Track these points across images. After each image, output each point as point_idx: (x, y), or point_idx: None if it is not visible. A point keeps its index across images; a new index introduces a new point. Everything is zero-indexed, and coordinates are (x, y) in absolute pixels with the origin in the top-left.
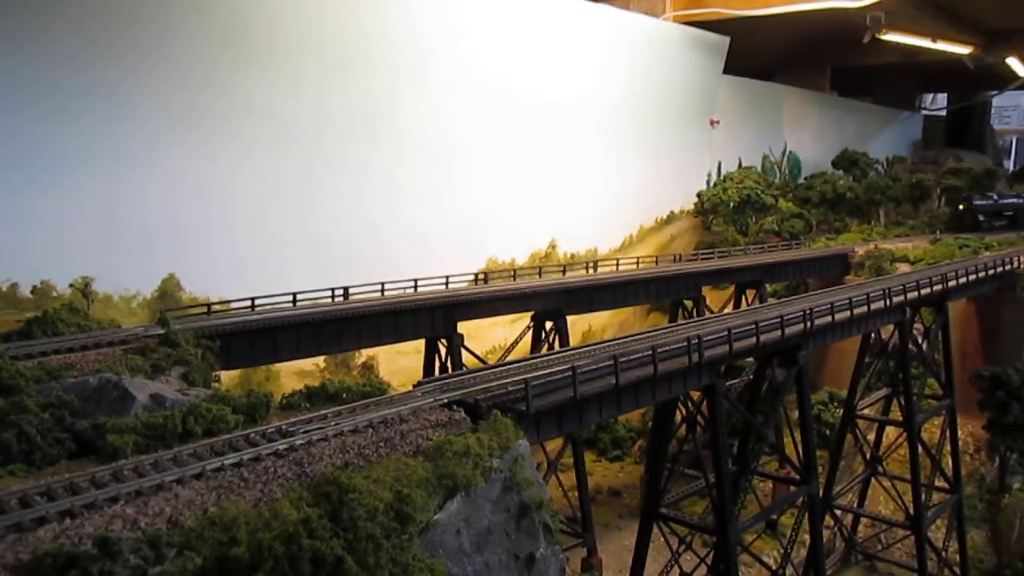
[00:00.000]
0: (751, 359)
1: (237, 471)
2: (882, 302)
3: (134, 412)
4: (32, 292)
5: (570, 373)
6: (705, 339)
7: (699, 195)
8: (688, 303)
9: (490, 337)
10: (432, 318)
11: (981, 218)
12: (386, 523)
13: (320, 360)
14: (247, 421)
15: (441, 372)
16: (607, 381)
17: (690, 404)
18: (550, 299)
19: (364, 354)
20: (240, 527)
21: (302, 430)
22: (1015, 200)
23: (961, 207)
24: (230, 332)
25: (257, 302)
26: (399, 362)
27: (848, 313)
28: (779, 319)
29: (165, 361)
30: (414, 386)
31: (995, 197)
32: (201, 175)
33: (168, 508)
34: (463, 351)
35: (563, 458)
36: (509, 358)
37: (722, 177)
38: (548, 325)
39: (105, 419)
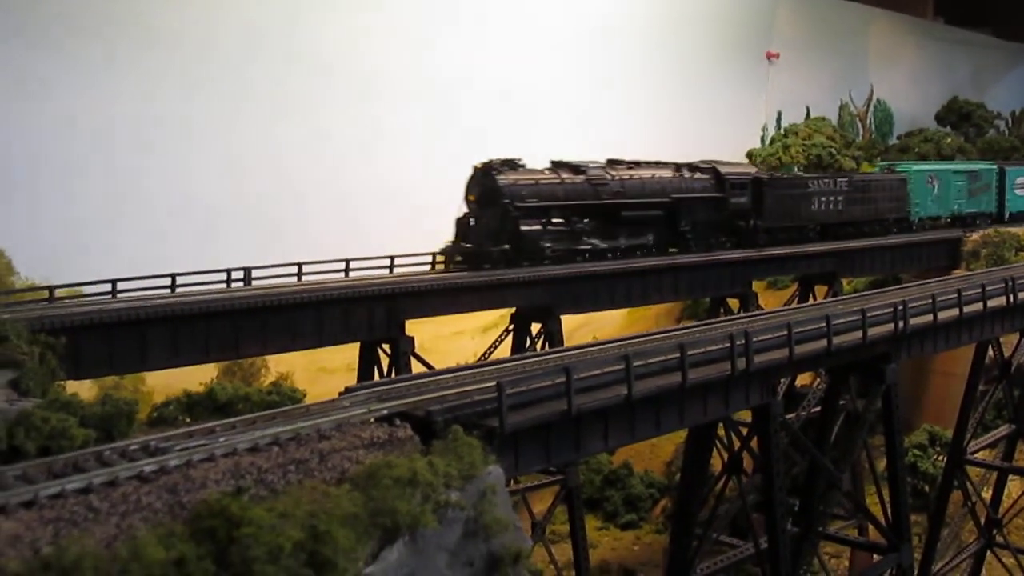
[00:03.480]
0: (818, 378)
1: (83, 499)
2: (1004, 298)
3: None
4: None
5: (563, 378)
6: (756, 339)
7: (750, 154)
8: (733, 302)
9: (451, 350)
10: (370, 313)
11: None
12: (295, 569)
13: (210, 375)
14: (101, 437)
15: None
16: (616, 392)
17: (732, 436)
18: (537, 291)
19: (273, 370)
20: (85, 571)
21: (178, 447)
22: None
23: None
24: (81, 326)
25: (120, 286)
26: (322, 384)
27: (956, 311)
28: (859, 316)
29: None
30: (341, 393)
31: None
32: (38, 109)
33: None
34: (412, 361)
35: (555, 523)
36: None
37: (782, 131)
38: (535, 329)
39: None
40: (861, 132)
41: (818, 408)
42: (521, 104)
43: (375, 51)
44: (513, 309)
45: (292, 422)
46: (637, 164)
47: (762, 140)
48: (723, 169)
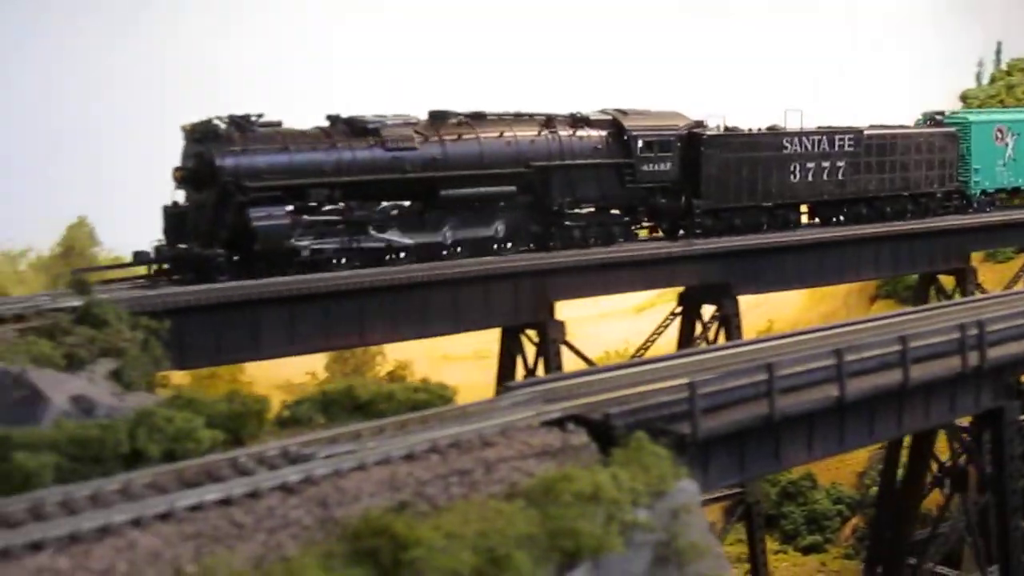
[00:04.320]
0: None
1: (224, 512)
2: None
3: (49, 421)
4: None
5: (764, 376)
6: (991, 328)
7: (964, 96)
8: (947, 280)
9: (599, 335)
10: (515, 294)
11: None
12: None
13: (318, 366)
14: (229, 439)
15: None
16: (824, 393)
17: (955, 445)
18: (712, 267)
19: (389, 357)
20: None
21: (322, 454)
22: None
23: None
24: (187, 308)
25: None
26: (447, 374)
27: None
28: None
29: (86, 349)
30: (500, 391)
31: None
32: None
33: (122, 562)
34: (563, 351)
35: (725, 543)
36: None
37: (1005, 67)
38: (706, 312)
39: (6, 430)
40: None
41: None
42: None
43: None
44: (682, 289)
45: (449, 426)
46: (478, 117)
47: (978, 78)
48: (629, 122)
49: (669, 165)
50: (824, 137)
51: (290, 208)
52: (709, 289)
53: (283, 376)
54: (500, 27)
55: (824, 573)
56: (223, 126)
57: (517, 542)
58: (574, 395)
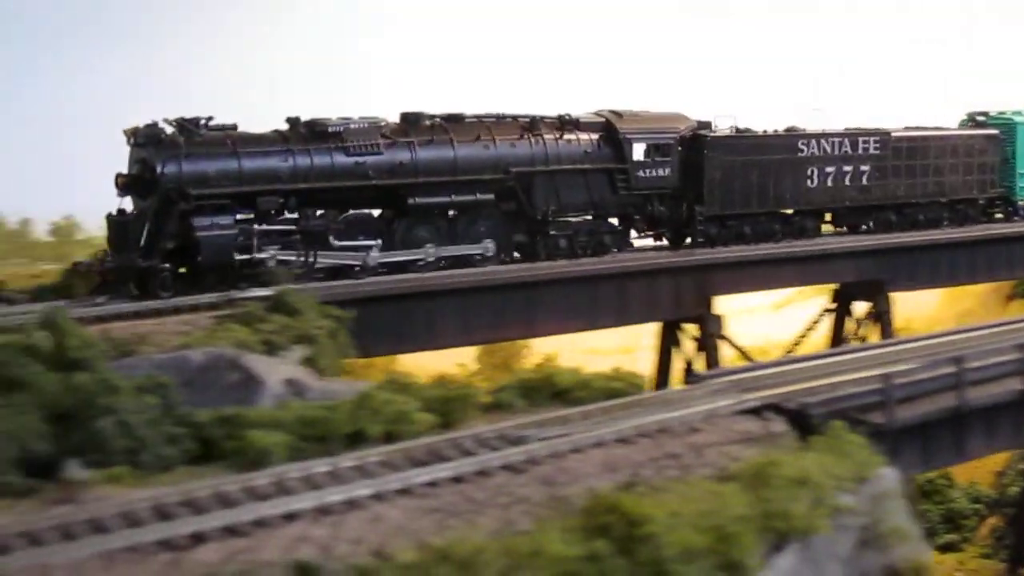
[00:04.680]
0: None
1: (458, 488)
2: None
3: (264, 402)
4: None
5: (952, 369)
6: None
7: None
8: None
9: (737, 332)
10: (676, 288)
11: None
12: (709, 572)
13: (468, 359)
14: (440, 423)
15: (687, 374)
16: (1008, 386)
17: None
18: (868, 263)
19: (536, 351)
20: (483, 564)
21: (538, 436)
22: None
23: None
24: (368, 299)
25: None
26: (593, 367)
27: None
28: None
29: (282, 336)
30: (687, 380)
31: None
32: None
33: (371, 534)
34: (720, 346)
35: None
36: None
37: None
38: (858, 308)
39: (237, 409)
40: None
41: None
42: None
43: None
44: (836, 286)
45: (653, 412)
46: (454, 119)
47: None
48: (624, 124)
49: (668, 170)
50: (845, 139)
51: (240, 217)
52: (863, 286)
53: (433, 367)
54: (506, 28)
55: (962, 572)
56: (169, 130)
57: (737, 522)
58: (766, 385)
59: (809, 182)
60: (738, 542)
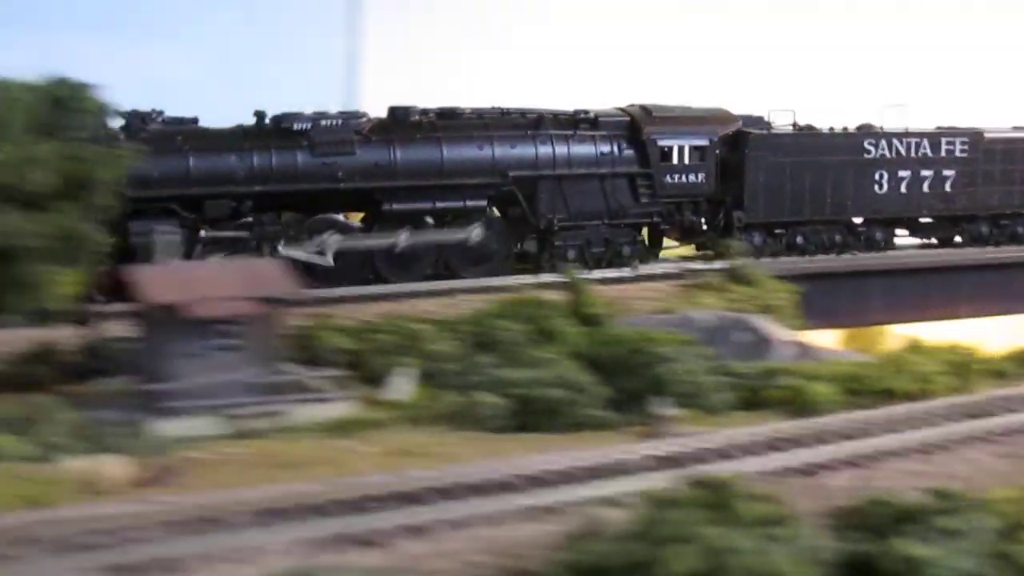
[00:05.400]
0: None
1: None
2: None
3: (774, 359)
4: None
5: None
6: None
7: None
8: None
9: None
10: None
11: None
12: None
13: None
14: (954, 386)
15: None
16: None
17: None
18: None
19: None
20: None
21: None
22: None
23: None
24: (807, 275)
25: None
26: None
27: None
28: None
29: (749, 304)
30: None
31: None
32: None
33: (962, 469)
34: None
35: None
36: None
37: None
38: None
39: (777, 364)
40: None
41: None
42: None
43: None
44: None
45: None
46: (447, 115)
47: None
48: (651, 122)
49: (702, 176)
50: (924, 140)
51: (190, 221)
52: None
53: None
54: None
55: None
56: (113, 124)
57: None
58: None
59: (877, 188)
60: None
